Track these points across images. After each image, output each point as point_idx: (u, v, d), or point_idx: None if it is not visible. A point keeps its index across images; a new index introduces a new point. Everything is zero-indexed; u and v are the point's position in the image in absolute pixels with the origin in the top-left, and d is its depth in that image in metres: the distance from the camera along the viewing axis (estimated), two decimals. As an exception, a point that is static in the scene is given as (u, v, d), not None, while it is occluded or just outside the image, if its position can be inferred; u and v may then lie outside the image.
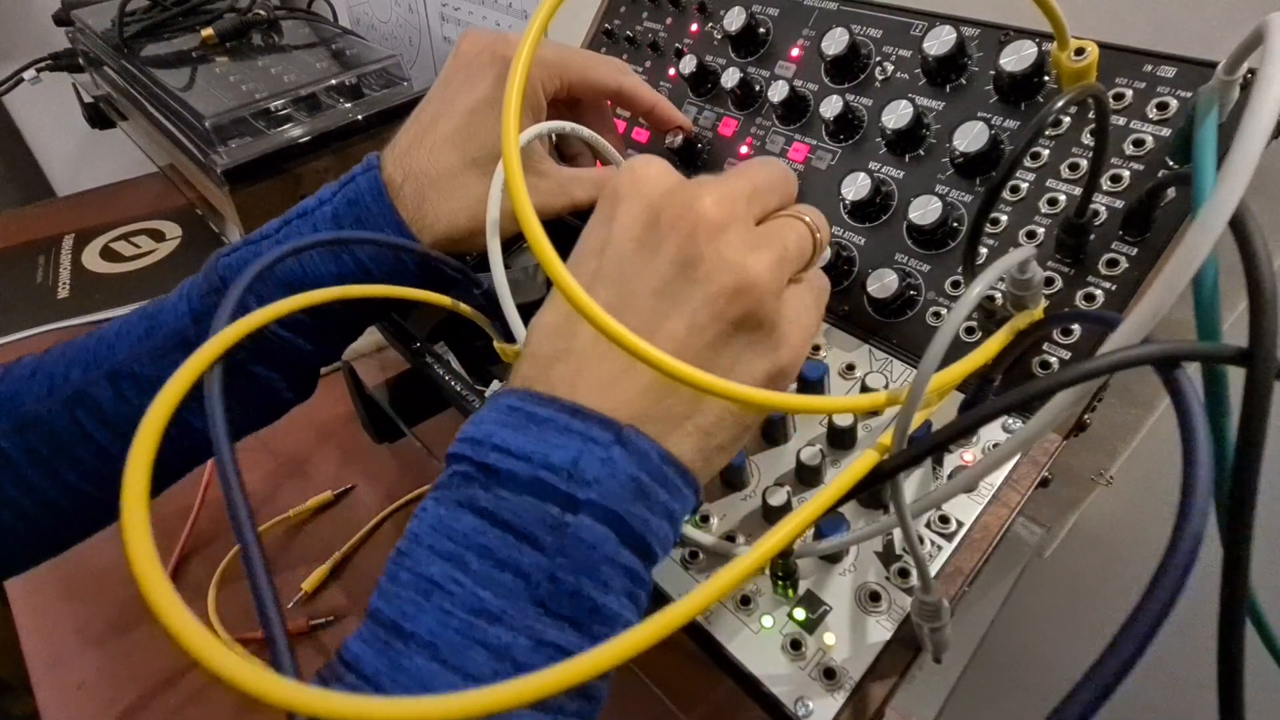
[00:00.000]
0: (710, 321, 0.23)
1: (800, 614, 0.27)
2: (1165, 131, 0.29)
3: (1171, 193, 0.28)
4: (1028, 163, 0.32)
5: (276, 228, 0.35)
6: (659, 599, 0.29)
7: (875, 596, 0.27)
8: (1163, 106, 0.29)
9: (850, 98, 0.37)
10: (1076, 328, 0.29)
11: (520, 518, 0.21)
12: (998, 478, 0.28)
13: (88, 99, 1.01)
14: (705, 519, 0.30)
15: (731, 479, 0.30)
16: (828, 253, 0.35)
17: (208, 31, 0.80)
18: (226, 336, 0.21)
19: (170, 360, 0.34)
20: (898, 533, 0.28)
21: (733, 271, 0.23)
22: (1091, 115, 0.31)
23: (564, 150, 0.42)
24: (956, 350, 0.25)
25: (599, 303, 0.23)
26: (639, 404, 0.22)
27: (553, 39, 0.37)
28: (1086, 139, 0.31)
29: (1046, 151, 0.32)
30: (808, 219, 0.26)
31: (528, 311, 0.27)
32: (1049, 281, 0.30)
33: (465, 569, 0.20)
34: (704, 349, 0.23)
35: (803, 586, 0.28)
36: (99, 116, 1.02)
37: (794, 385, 0.31)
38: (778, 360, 0.24)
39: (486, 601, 0.20)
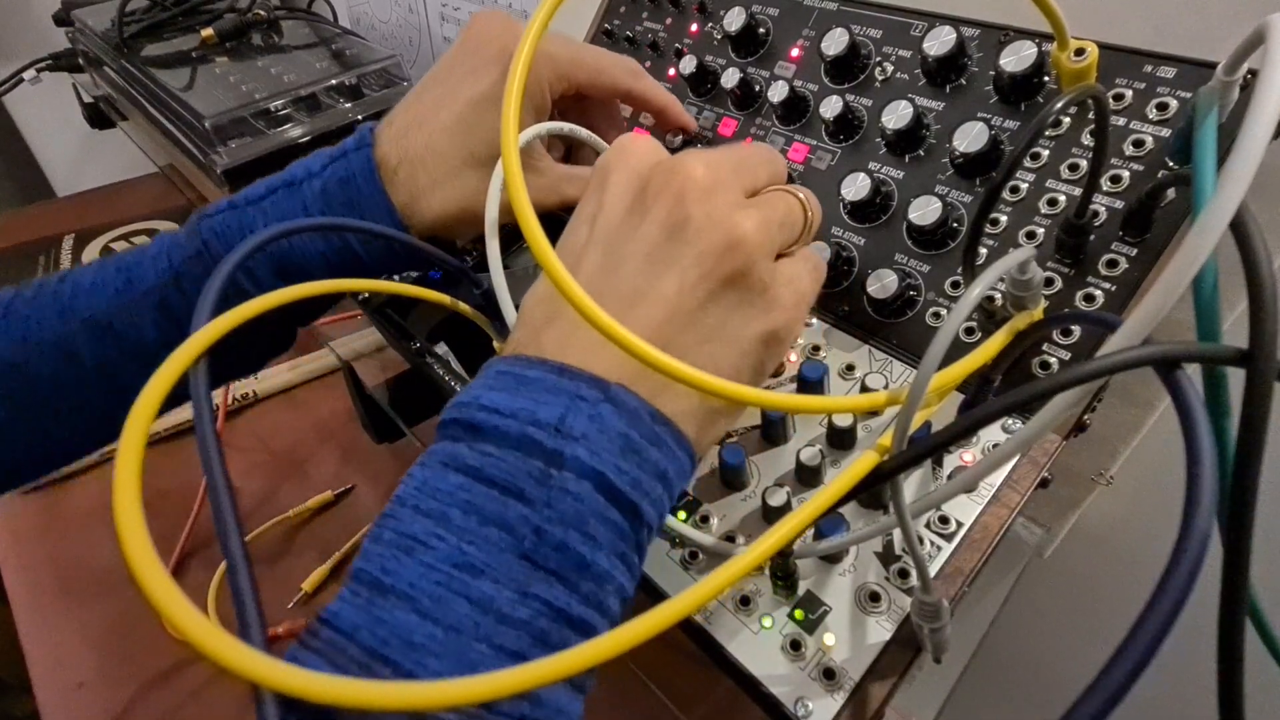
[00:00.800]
0: (700, 280, 0.23)
1: (800, 614, 0.27)
2: (1165, 132, 0.29)
3: (1171, 193, 0.28)
4: (1028, 163, 0.32)
5: (262, 194, 0.35)
6: (658, 598, 0.29)
7: (875, 597, 0.27)
8: (1163, 107, 0.29)
9: (850, 98, 0.37)
10: (1076, 328, 0.29)
11: (506, 473, 0.20)
12: (998, 478, 0.28)
13: (88, 99, 1.01)
14: (705, 519, 0.30)
15: (731, 479, 0.30)
16: (827, 252, 0.35)
17: (208, 31, 0.80)
18: (213, 330, 0.21)
19: (148, 319, 0.34)
20: (897, 533, 0.28)
21: (721, 229, 0.23)
22: (1091, 116, 0.31)
23: (569, 143, 0.42)
24: (956, 351, 0.25)
25: (590, 268, 0.24)
26: (630, 364, 0.22)
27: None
28: (1086, 139, 0.31)
29: (1046, 152, 0.32)
30: (800, 195, 0.27)
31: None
32: (1049, 282, 0.30)
33: (448, 524, 0.20)
34: (695, 309, 0.23)
35: (802, 587, 0.28)
36: (99, 116, 1.02)
37: (794, 385, 0.31)
38: (770, 322, 0.25)
39: (470, 555, 0.20)
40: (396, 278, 0.44)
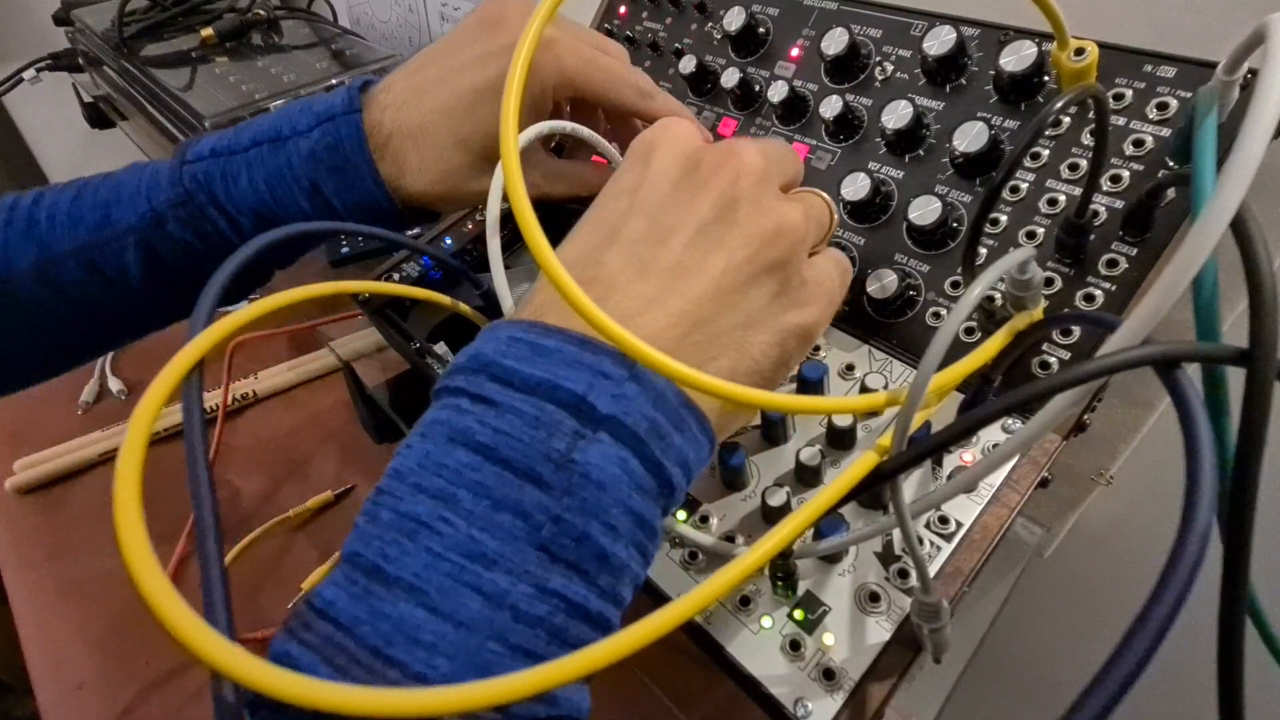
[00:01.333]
0: (746, 262, 0.23)
1: (800, 614, 0.27)
2: (1165, 132, 0.29)
3: (1171, 193, 0.28)
4: (1027, 163, 0.32)
5: (246, 144, 0.36)
6: (658, 600, 0.29)
7: (875, 597, 0.27)
8: (1163, 107, 0.29)
9: (850, 98, 0.37)
10: (1076, 328, 0.29)
11: (522, 454, 0.19)
12: (997, 478, 0.28)
13: (88, 99, 1.01)
14: (705, 519, 0.30)
15: (731, 479, 0.30)
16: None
17: (208, 31, 0.80)
18: (210, 337, 0.21)
19: (131, 255, 0.35)
20: (897, 533, 0.28)
21: (772, 216, 0.24)
22: (1091, 115, 0.31)
23: (567, 140, 0.42)
24: (956, 351, 0.25)
25: (632, 236, 0.24)
26: (662, 339, 0.22)
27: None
28: (1086, 139, 0.31)
29: (1046, 152, 0.32)
30: (824, 196, 0.28)
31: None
32: (1049, 282, 0.30)
33: (456, 508, 0.19)
34: (736, 292, 0.23)
35: (802, 587, 0.28)
36: (99, 116, 1.02)
37: (793, 386, 0.31)
38: (803, 316, 0.25)
39: (481, 543, 0.18)
40: (396, 277, 0.44)
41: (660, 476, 0.20)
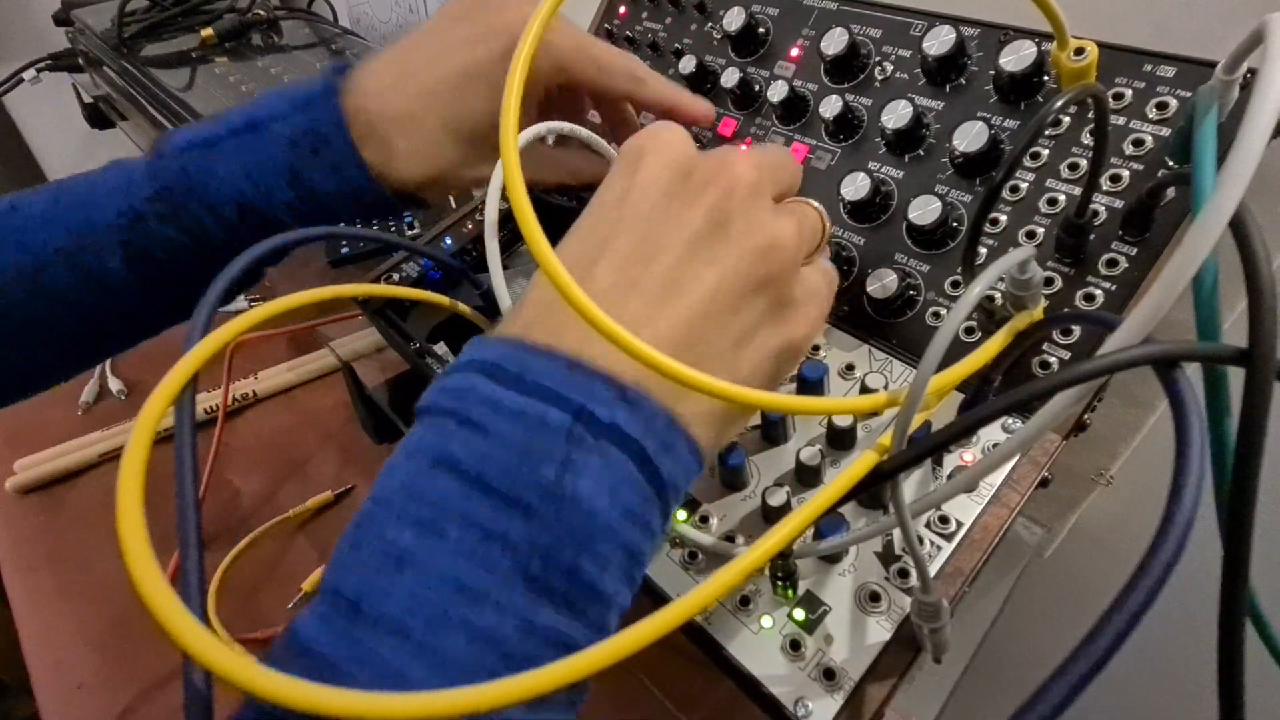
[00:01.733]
0: (736, 279, 0.23)
1: (800, 614, 0.27)
2: (1165, 131, 0.29)
3: (1171, 193, 0.28)
4: (1027, 162, 0.32)
5: (223, 134, 0.35)
6: (658, 599, 0.29)
7: (875, 597, 0.27)
8: (1162, 106, 0.29)
9: (850, 98, 0.37)
10: (1076, 328, 0.29)
11: (509, 482, 0.19)
12: (997, 478, 0.28)
13: (87, 99, 1.01)
14: (705, 519, 0.30)
15: (731, 479, 0.30)
16: (828, 252, 0.35)
17: (207, 32, 0.80)
18: (209, 346, 0.21)
19: (115, 255, 0.35)
20: (897, 533, 0.28)
21: (764, 231, 0.23)
22: (1091, 115, 0.31)
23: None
24: (956, 351, 0.24)
25: (622, 251, 0.23)
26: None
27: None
28: (1086, 139, 0.31)
29: (1046, 151, 0.32)
30: (816, 206, 0.27)
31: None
32: (1049, 281, 0.30)
33: (442, 539, 0.18)
34: (727, 310, 0.23)
35: (802, 587, 0.28)
36: (99, 116, 1.02)
37: (794, 386, 0.31)
38: (792, 332, 0.25)
39: (468, 577, 0.18)
40: (396, 278, 0.44)
41: (647, 501, 0.20)
